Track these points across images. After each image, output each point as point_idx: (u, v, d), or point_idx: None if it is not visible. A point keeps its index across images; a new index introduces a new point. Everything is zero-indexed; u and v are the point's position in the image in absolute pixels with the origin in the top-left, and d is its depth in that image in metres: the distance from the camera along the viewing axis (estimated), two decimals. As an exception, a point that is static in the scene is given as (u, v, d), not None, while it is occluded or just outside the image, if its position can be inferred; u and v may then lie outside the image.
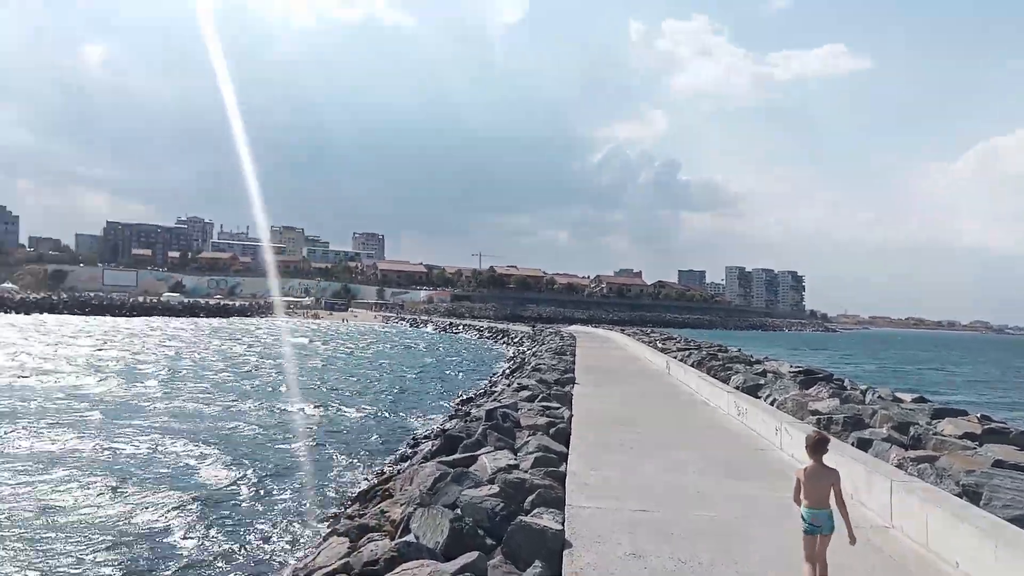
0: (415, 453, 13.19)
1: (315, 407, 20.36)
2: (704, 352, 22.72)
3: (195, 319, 75.64)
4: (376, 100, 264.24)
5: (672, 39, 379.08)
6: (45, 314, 70.48)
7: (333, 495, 11.29)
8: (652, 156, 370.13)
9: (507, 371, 28.45)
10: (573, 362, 22.88)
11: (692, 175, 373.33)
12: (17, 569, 7.96)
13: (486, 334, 67.30)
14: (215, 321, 73.12)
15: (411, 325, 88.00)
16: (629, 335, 40.53)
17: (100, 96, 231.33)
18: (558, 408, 12.27)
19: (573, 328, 63.11)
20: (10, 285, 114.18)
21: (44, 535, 9.03)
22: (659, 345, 28.99)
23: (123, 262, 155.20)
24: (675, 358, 21.53)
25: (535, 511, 6.62)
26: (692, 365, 18.97)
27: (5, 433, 14.80)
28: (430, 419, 18.91)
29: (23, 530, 9.18)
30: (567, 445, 9.40)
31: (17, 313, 70.31)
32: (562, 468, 8.12)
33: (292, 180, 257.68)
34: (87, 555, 8.46)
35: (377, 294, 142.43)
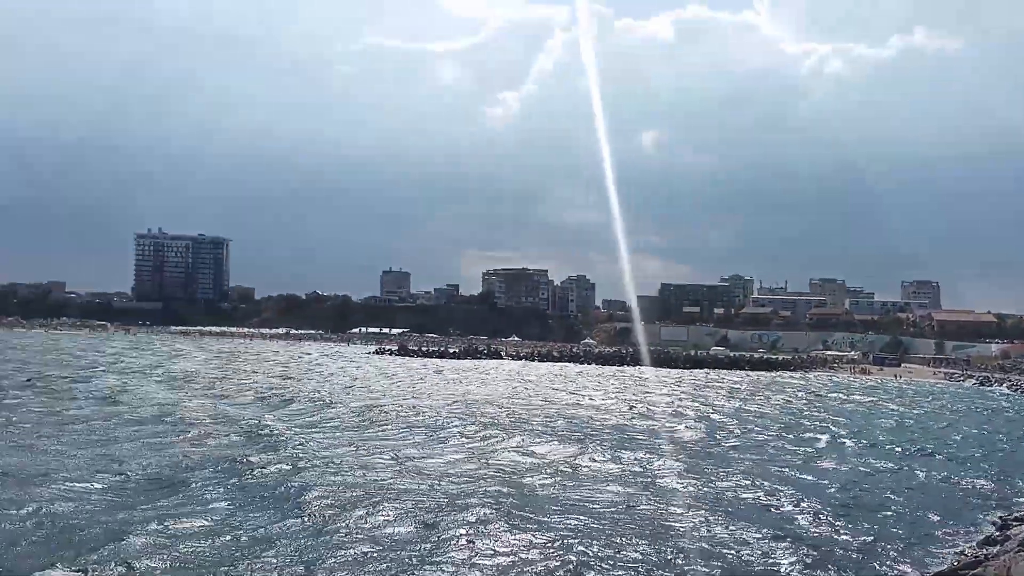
0: (1005, 537, 11.57)
1: (891, 465, 19.70)
2: None
3: (743, 372, 78.53)
4: (919, 133, 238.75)
5: None
6: (615, 366, 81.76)
7: (907, 569, 10.78)
8: None
9: None
10: None
11: None
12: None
13: (1097, 398, 53.59)
14: (762, 375, 74.75)
15: (980, 383, 75.46)
16: None
17: (653, 175, 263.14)
18: None
19: None
20: (591, 340, 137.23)
21: (654, 545, 10.73)
22: None
23: (675, 319, 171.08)
24: None
25: None
26: None
27: (634, 460, 17.82)
28: (1016, 495, 16.21)
29: (629, 536, 11.06)
30: None
31: (595, 364, 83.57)
32: None
33: (831, 231, 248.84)
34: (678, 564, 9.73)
35: (935, 348, 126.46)
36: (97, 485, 13.55)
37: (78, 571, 9.08)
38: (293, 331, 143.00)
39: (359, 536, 11.03)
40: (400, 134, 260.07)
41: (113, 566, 9.29)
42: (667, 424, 27.58)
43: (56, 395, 28.40)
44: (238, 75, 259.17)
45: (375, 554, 10.24)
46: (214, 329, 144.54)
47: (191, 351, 74.88)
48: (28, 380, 33.90)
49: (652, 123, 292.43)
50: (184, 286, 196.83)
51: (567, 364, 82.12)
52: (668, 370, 76.76)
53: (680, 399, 40.42)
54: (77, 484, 13.57)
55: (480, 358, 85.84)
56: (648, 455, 19.65)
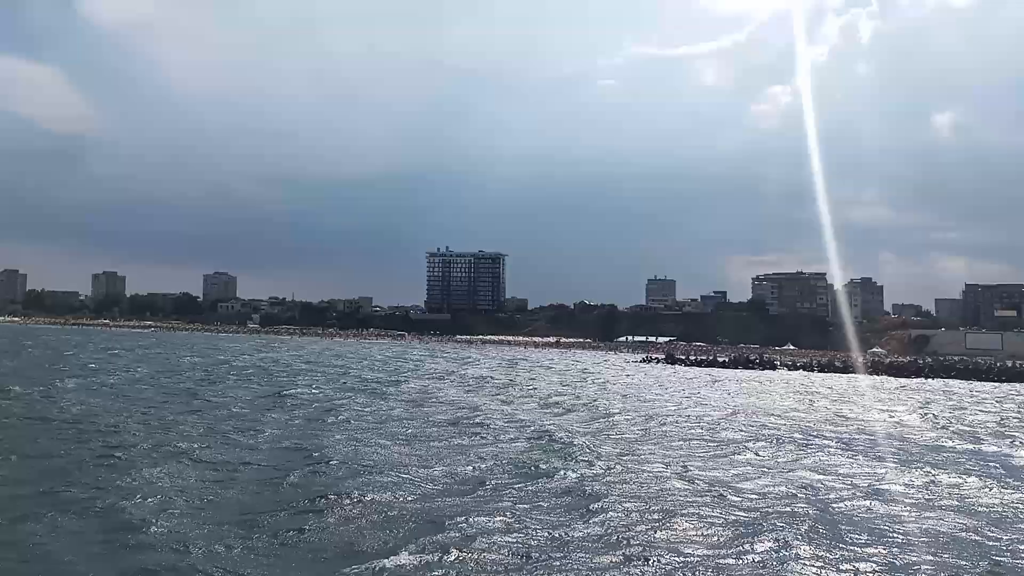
0: None
1: None
2: None
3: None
4: None
5: None
6: (911, 378, 72.79)
7: None
8: None
9: None
10: None
11: None
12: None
13: None
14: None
15: None
16: None
17: (951, 162, 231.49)
18: None
19: None
20: (878, 349, 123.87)
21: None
22: None
23: (985, 324, 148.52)
24: None
25: None
26: None
27: (953, 486, 15.81)
28: None
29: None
30: None
31: (886, 375, 75.22)
32: None
33: None
34: None
35: None
36: (410, 477, 15.12)
37: (403, 552, 10.14)
38: (563, 339, 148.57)
39: (649, 547, 10.98)
40: (664, 141, 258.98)
41: (430, 551, 10.27)
42: (989, 447, 23.86)
43: (374, 396, 32.37)
44: (508, 101, 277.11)
45: (665, 567, 10.11)
46: (493, 338, 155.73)
47: (477, 358, 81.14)
48: (348, 384, 39.17)
49: (948, 104, 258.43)
50: (467, 298, 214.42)
51: (854, 375, 74.99)
52: (980, 383, 66.78)
53: (1004, 417, 34.82)
54: (394, 475, 15.28)
55: (753, 368, 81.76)
56: (971, 481, 17.13)
